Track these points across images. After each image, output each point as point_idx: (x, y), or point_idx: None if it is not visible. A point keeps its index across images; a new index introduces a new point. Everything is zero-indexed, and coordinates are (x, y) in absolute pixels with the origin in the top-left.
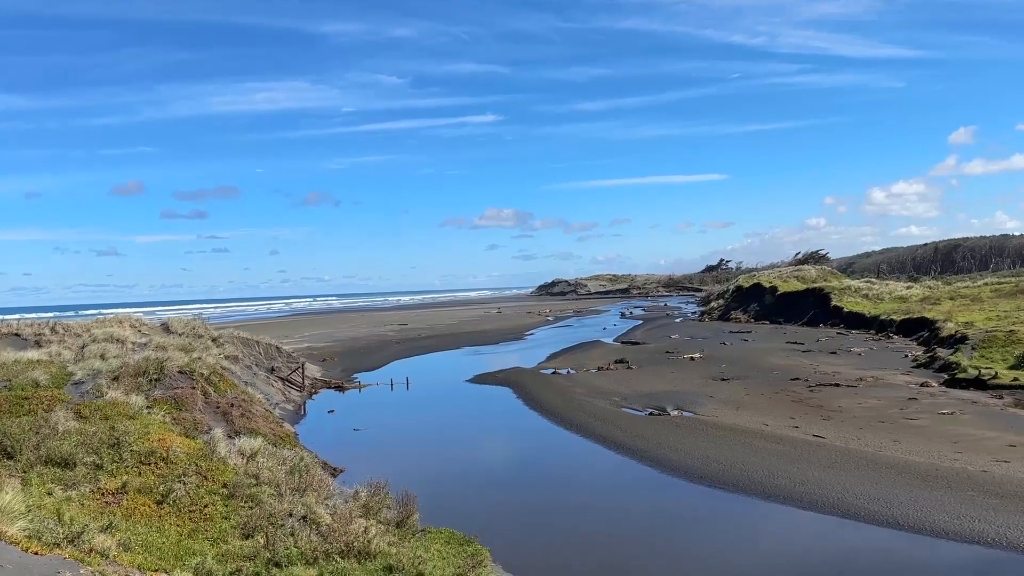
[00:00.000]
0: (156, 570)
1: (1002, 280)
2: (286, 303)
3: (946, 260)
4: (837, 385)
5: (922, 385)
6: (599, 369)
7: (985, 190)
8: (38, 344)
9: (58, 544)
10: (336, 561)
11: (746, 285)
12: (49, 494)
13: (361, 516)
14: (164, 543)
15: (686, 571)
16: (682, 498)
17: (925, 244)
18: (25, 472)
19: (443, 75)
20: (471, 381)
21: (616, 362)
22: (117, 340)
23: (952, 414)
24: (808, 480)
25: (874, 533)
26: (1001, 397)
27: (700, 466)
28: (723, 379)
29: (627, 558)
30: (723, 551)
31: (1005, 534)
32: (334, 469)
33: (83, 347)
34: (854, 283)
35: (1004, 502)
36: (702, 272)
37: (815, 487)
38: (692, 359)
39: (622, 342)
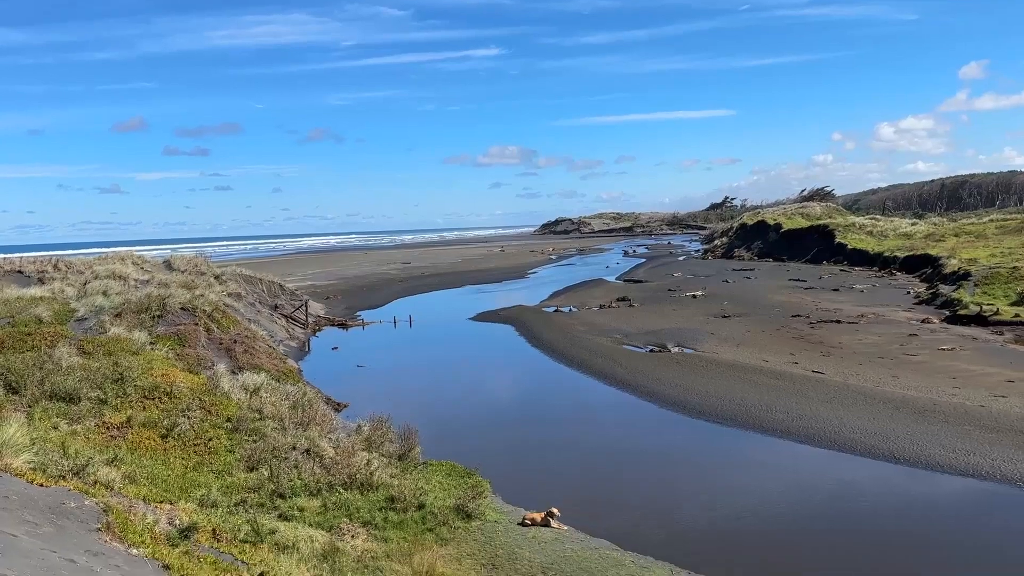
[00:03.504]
0: (161, 502)
1: (1007, 217)
2: (288, 241)
3: (952, 197)
4: (838, 322)
5: (923, 321)
6: (601, 307)
7: (994, 125)
8: (41, 281)
9: (63, 476)
10: (339, 492)
11: (750, 223)
12: (54, 428)
13: (364, 449)
14: (169, 475)
15: (683, 502)
16: (681, 432)
17: (932, 181)
18: (30, 407)
19: (445, 7)
20: (474, 319)
21: (618, 300)
22: (119, 277)
23: (952, 350)
24: (806, 415)
25: (871, 466)
26: (1002, 333)
27: (699, 401)
28: (724, 316)
29: (626, 490)
30: (720, 483)
31: (1000, 467)
32: (337, 404)
33: (85, 284)
34: (859, 220)
35: (1000, 436)
36: (707, 210)
37: (813, 421)
38: (694, 297)
39: (624, 280)
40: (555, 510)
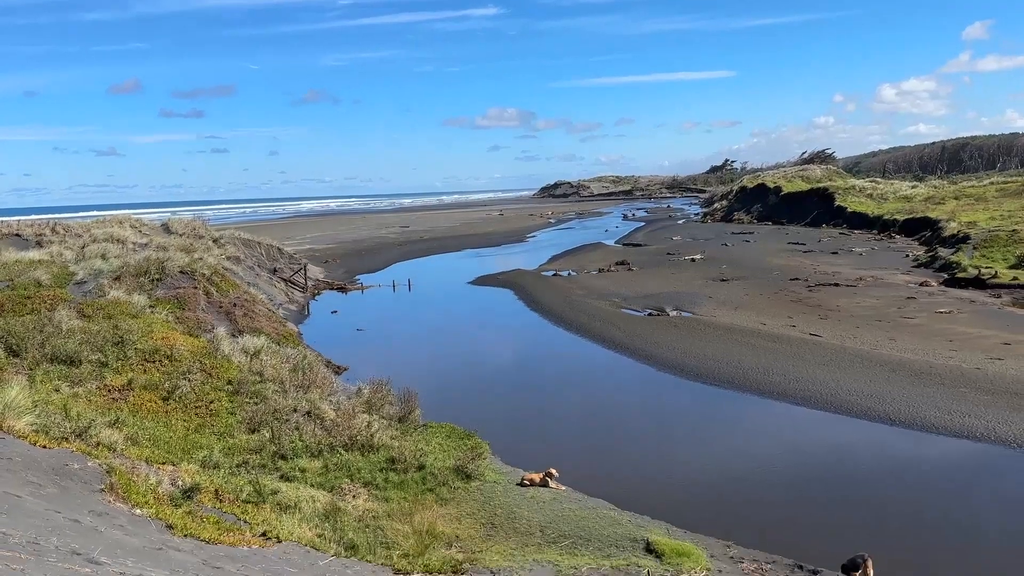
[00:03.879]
0: (164, 463)
1: (1008, 180)
2: (286, 205)
3: (953, 159)
4: (836, 285)
5: (921, 284)
6: (600, 271)
7: (997, 87)
8: (39, 244)
9: (65, 438)
10: (340, 454)
11: (750, 186)
12: (56, 390)
13: (364, 412)
14: (171, 437)
15: (680, 463)
16: (678, 395)
17: (932, 143)
18: (31, 369)
19: None
20: (472, 283)
21: (617, 264)
22: (118, 240)
23: (949, 313)
24: (803, 377)
25: (866, 428)
26: (999, 296)
27: (697, 364)
28: (723, 280)
29: (623, 451)
30: (717, 444)
31: (994, 429)
32: (337, 367)
33: (84, 247)
34: (859, 183)
35: (995, 398)
36: (706, 173)
37: (810, 384)
38: (693, 260)
39: (623, 244)
40: (553, 471)
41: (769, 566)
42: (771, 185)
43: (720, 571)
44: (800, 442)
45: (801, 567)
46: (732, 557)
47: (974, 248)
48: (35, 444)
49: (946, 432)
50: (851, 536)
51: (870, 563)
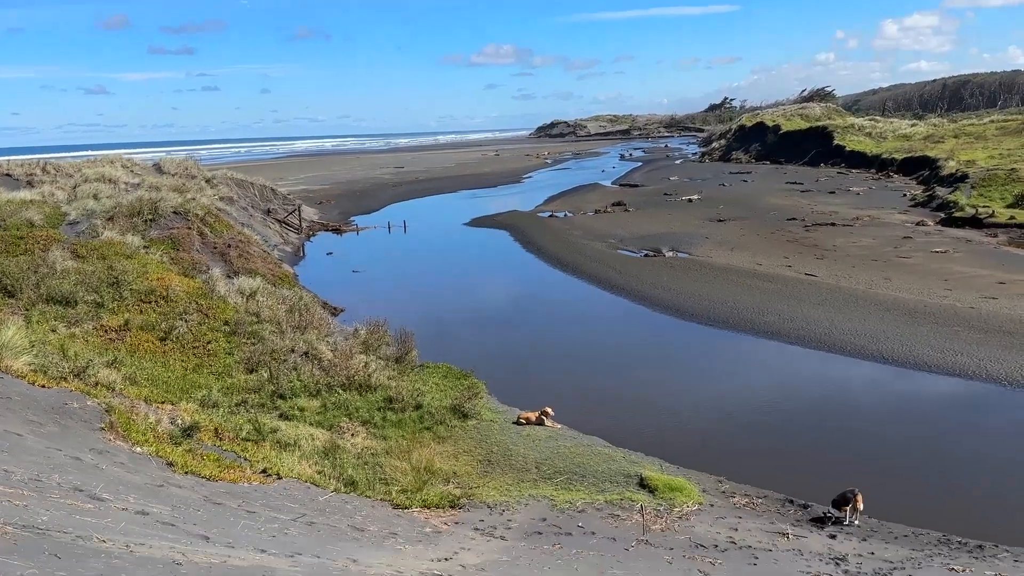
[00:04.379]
0: (163, 402)
1: (1008, 118)
2: (279, 144)
3: (954, 97)
4: (833, 225)
5: (918, 224)
6: (596, 212)
7: (1001, 23)
8: (30, 184)
9: (64, 378)
10: (338, 393)
11: (749, 124)
12: (52, 331)
13: (361, 352)
14: (169, 377)
15: (674, 402)
16: (673, 335)
17: (934, 80)
18: (27, 310)
19: None
20: (468, 224)
21: (613, 204)
22: (109, 180)
23: (945, 252)
24: (797, 317)
25: (859, 367)
26: (996, 235)
27: (692, 304)
28: (720, 220)
29: (618, 390)
30: (711, 383)
31: (985, 367)
32: (334, 308)
33: (75, 187)
34: (858, 121)
35: (987, 337)
36: (705, 111)
37: (804, 323)
38: (690, 201)
39: (620, 184)
40: (549, 409)
41: (760, 500)
42: (770, 124)
43: (712, 505)
44: (794, 381)
45: (792, 501)
46: (724, 492)
47: (972, 187)
48: (34, 384)
49: (938, 370)
50: (842, 472)
51: (859, 498)
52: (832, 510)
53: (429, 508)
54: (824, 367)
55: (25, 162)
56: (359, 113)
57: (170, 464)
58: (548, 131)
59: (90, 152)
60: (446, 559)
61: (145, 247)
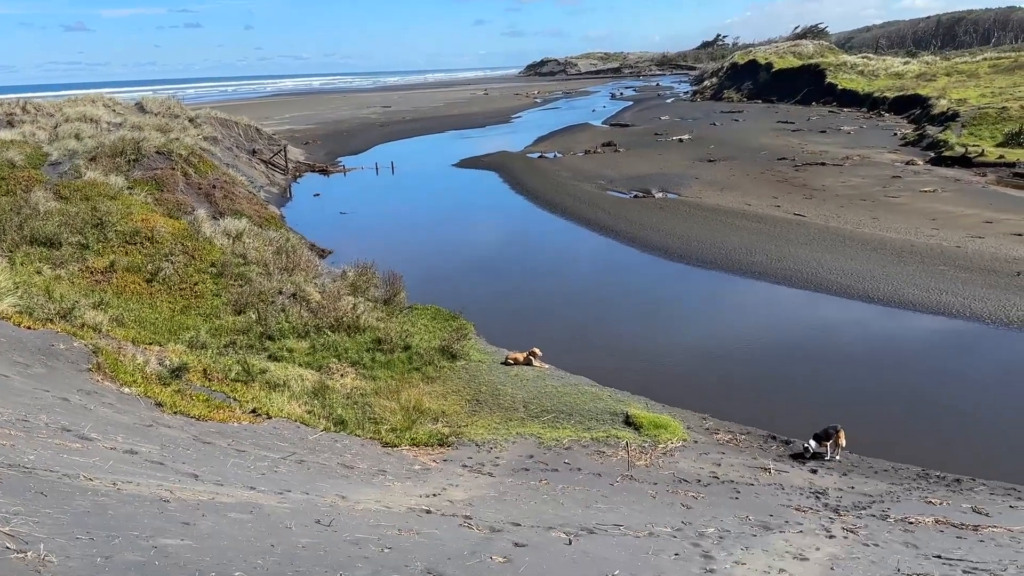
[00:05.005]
0: (150, 343)
1: (1001, 55)
2: (264, 83)
3: (948, 35)
4: (823, 164)
5: (907, 163)
6: (586, 152)
7: None
8: (10, 124)
9: (50, 319)
10: (327, 335)
11: (741, 62)
12: (37, 272)
13: (349, 294)
14: (157, 318)
15: (662, 342)
16: (662, 276)
17: (928, 17)
18: (11, 251)
19: None
20: (457, 165)
21: (603, 145)
22: (91, 120)
23: (934, 192)
24: (785, 257)
25: (845, 306)
26: (984, 175)
27: (680, 245)
28: (710, 160)
29: (606, 331)
30: (699, 324)
31: (970, 305)
32: (322, 250)
33: (56, 127)
34: (850, 59)
35: (972, 275)
36: (697, 49)
37: (791, 263)
38: (680, 141)
39: (610, 124)
40: (537, 350)
41: (743, 437)
42: (762, 61)
43: (696, 441)
44: (780, 321)
45: (774, 438)
46: (708, 428)
47: (962, 126)
48: (19, 325)
49: (923, 309)
50: (825, 409)
51: (842, 433)
52: (810, 443)
53: (418, 446)
54: (810, 307)
55: (4, 101)
56: (345, 51)
57: (159, 404)
58: (538, 69)
59: (71, 91)
60: (434, 495)
61: (129, 188)
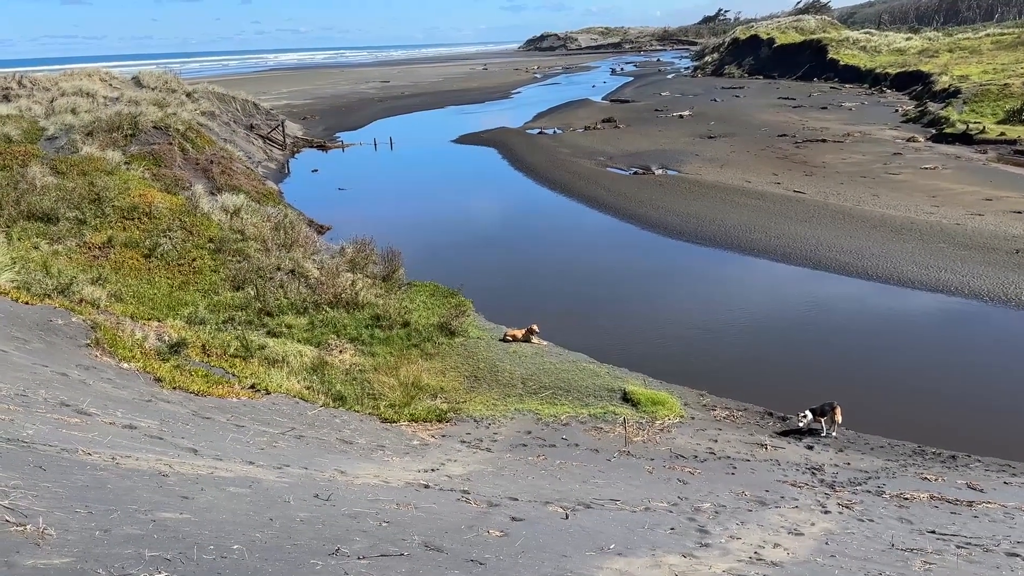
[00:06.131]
0: (149, 319)
1: (1004, 31)
2: (261, 58)
3: (951, 10)
4: (823, 141)
5: (908, 140)
6: (586, 128)
7: None
8: (6, 99)
9: (48, 295)
10: (325, 311)
11: (743, 37)
12: (35, 248)
13: (348, 271)
14: (155, 294)
15: (660, 320)
16: (660, 253)
17: None
18: (8, 227)
19: None
20: (456, 141)
21: (603, 121)
22: (87, 94)
23: (934, 169)
24: (784, 234)
25: (844, 283)
26: (985, 152)
27: (679, 222)
28: (710, 137)
29: (605, 309)
30: (697, 301)
31: (968, 283)
32: (320, 227)
33: (53, 102)
34: (853, 35)
35: (972, 253)
36: (699, 24)
37: (790, 240)
38: (681, 117)
39: (611, 100)
40: (535, 327)
41: (740, 413)
42: (764, 37)
43: (693, 418)
44: (778, 298)
45: (771, 414)
46: (705, 405)
47: (964, 103)
48: (17, 300)
49: (922, 286)
50: (823, 386)
51: (838, 410)
52: (806, 413)
53: (417, 422)
54: (809, 284)
55: (0, 75)
56: (343, 25)
57: (158, 380)
58: (538, 44)
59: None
60: (433, 470)
61: (126, 163)
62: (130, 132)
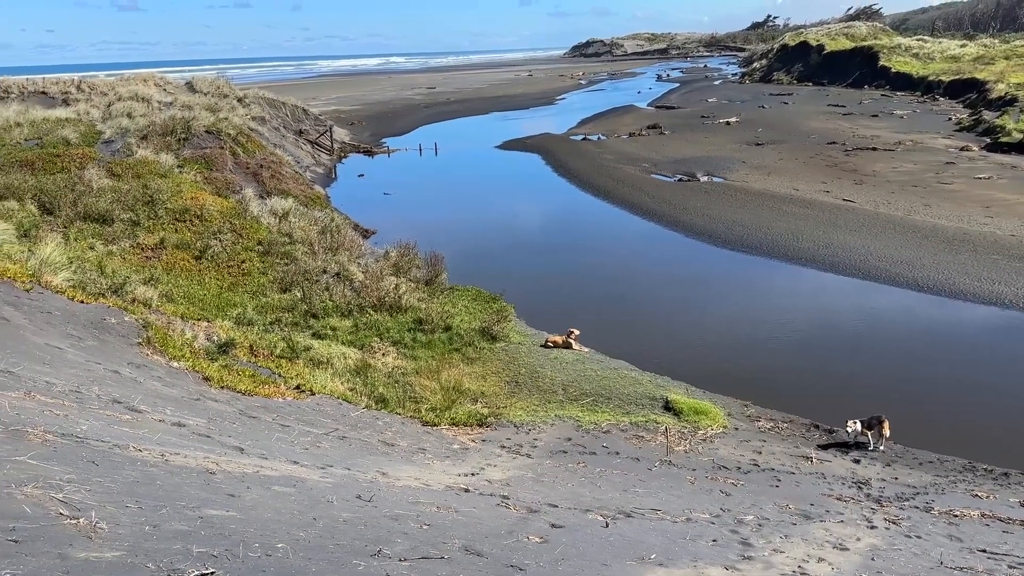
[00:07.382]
0: (198, 319)
1: None
2: (310, 64)
3: (1007, 16)
4: (874, 149)
5: (962, 149)
6: (630, 135)
7: None
8: (65, 102)
9: (102, 294)
10: (369, 314)
11: (792, 44)
12: (90, 248)
13: (392, 274)
14: (205, 295)
15: (705, 328)
16: (706, 261)
17: None
18: (65, 227)
19: None
20: (500, 147)
21: (648, 127)
22: (143, 99)
23: (989, 178)
24: (833, 243)
25: (894, 294)
26: None
27: (725, 230)
28: (757, 144)
29: (648, 316)
30: (743, 310)
31: None
32: (365, 230)
33: (110, 106)
34: (905, 41)
35: None
36: (747, 30)
37: (840, 250)
38: (727, 124)
39: (656, 106)
40: (575, 331)
41: (786, 425)
42: (814, 43)
43: (737, 428)
44: (826, 308)
45: (817, 426)
46: (749, 416)
47: (1021, 111)
48: (73, 299)
49: (974, 299)
50: (871, 399)
51: (886, 424)
52: (856, 424)
53: (457, 426)
54: (858, 295)
55: (60, 79)
56: (390, 31)
57: (206, 379)
58: (583, 50)
59: (123, 70)
60: (472, 474)
61: (179, 166)
62: (183, 136)
